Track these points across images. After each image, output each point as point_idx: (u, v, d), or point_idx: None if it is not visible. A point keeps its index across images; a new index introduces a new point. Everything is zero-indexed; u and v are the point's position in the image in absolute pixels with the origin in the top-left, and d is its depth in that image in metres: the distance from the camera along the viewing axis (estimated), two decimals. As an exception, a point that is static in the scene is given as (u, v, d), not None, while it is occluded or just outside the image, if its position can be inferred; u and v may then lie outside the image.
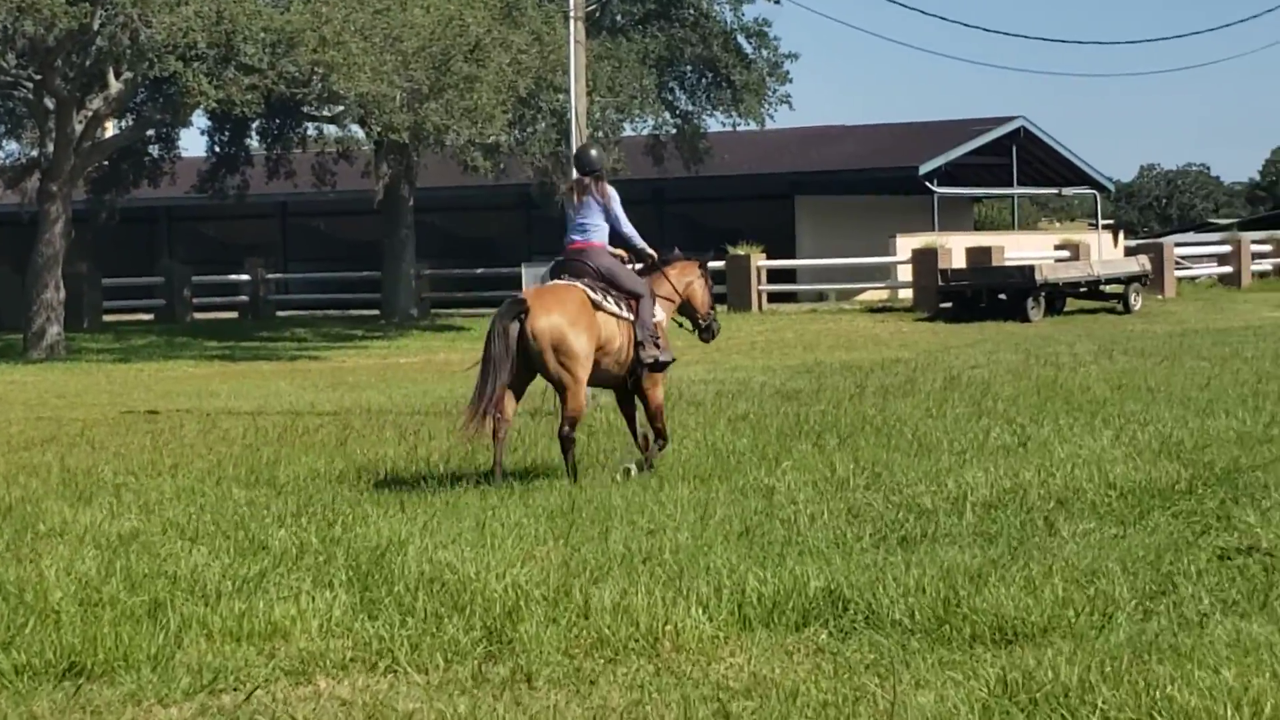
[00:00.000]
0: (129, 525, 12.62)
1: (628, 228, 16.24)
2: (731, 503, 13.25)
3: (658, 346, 15.52)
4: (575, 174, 16.62)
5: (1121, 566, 10.23)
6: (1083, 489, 13.27)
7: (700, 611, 9.47)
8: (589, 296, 15.22)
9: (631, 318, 15.43)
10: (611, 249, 16.09)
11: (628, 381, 15.68)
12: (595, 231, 15.90)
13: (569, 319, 14.93)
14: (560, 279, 15.58)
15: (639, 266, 16.41)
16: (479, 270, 56.02)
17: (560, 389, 15.08)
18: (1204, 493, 13.01)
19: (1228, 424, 17.04)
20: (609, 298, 15.38)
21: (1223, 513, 12.13)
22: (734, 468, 15.24)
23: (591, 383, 15.45)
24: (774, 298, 52.05)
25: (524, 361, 14.88)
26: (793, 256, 55.44)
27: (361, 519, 12.66)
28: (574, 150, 22.61)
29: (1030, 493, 13.20)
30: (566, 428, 15.07)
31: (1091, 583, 9.84)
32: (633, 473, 15.19)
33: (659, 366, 15.63)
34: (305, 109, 45.15)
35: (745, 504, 13.18)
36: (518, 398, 15.26)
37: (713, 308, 16.98)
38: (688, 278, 16.65)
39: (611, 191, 16.19)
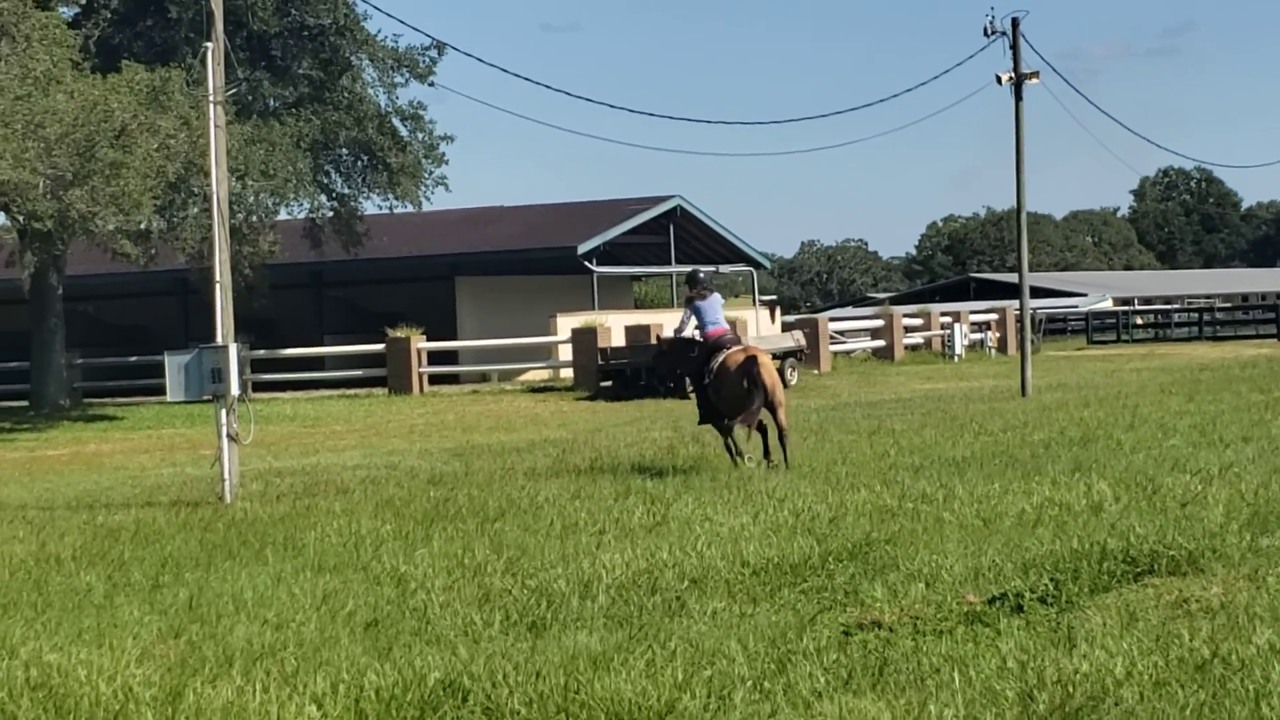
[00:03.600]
0: None
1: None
2: (365, 592, 13.05)
3: None
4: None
5: (743, 646, 10.24)
6: (717, 567, 13.32)
7: (316, 709, 9.26)
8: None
9: None
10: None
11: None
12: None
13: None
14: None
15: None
16: (132, 358, 54.90)
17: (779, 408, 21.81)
18: (835, 568, 13.14)
19: (864, 498, 17.28)
20: None
21: (851, 588, 12.25)
22: (372, 556, 15.04)
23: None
24: (435, 379, 51.94)
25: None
26: (455, 337, 55.40)
27: (-26, 623, 12.20)
28: (220, 234, 22.39)
29: (665, 572, 13.21)
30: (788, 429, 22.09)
31: (712, 663, 9.84)
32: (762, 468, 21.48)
33: None
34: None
35: (379, 593, 12.99)
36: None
37: None
38: None
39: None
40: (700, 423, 23.51)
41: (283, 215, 49.90)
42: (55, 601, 13.19)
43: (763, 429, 22.18)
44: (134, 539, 17.16)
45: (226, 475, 21.50)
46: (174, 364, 22.51)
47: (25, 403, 50.80)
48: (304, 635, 11.23)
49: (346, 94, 49.24)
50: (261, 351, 52.05)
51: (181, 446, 35.89)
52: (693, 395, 24.31)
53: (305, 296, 59.41)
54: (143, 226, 42.26)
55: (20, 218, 40.25)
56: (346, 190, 51.10)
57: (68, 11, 44.96)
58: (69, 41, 39.82)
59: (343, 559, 14.99)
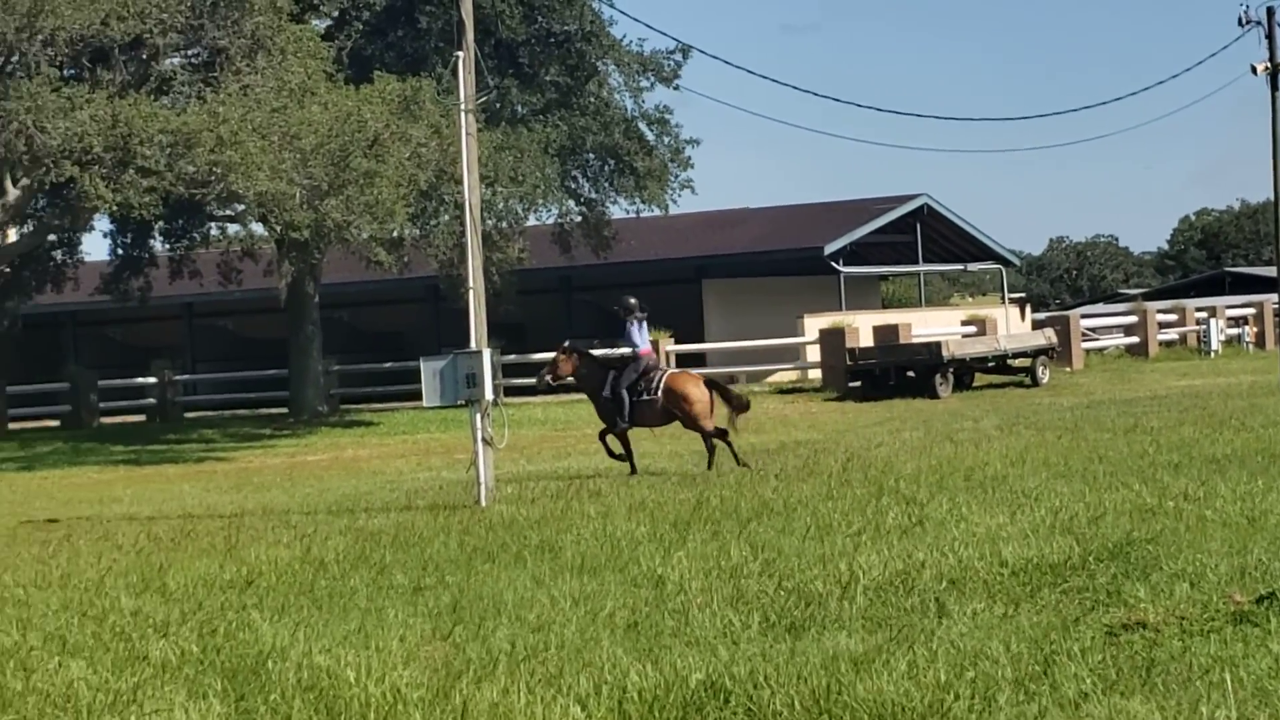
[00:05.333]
0: (7, 641, 12.39)
1: None
2: (623, 594, 13.13)
3: None
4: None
5: (1006, 647, 10.17)
6: (975, 568, 13.22)
7: (579, 709, 9.35)
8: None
9: None
10: None
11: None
12: None
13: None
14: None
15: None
16: (387, 364, 55.82)
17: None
18: (1096, 568, 12.98)
19: (1124, 496, 17.05)
20: None
21: (1113, 588, 12.09)
22: (629, 558, 15.13)
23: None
24: (684, 382, 52.01)
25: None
26: (701, 340, 55.53)
27: (245, 624, 12.48)
28: (472, 241, 22.72)
29: (923, 573, 13.14)
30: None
31: (975, 665, 9.77)
32: None
33: None
34: (206, 209, 44.95)
35: (636, 595, 13.07)
36: None
37: None
38: None
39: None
40: (611, 430, 26.33)
41: (531, 221, 50.40)
42: (322, 604, 13.45)
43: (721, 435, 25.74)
44: (395, 543, 17.44)
45: (482, 479, 21.76)
46: (429, 370, 22.82)
47: (285, 409, 51.84)
48: (565, 637, 11.34)
49: (593, 99, 49.58)
50: (512, 356, 52.57)
51: (436, 451, 36.39)
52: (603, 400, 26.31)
53: (554, 301, 59.96)
54: (395, 234, 42.96)
55: (278, 228, 41.08)
56: (594, 195, 51.46)
57: (321, 24, 45.78)
58: (322, 54, 40.55)
59: (599, 561, 15.09)
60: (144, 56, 39.29)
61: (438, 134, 40.15)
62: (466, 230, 23.17)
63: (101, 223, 47.07)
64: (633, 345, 26.23)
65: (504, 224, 47.09)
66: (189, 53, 40.85)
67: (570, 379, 26.88)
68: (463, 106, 23.28)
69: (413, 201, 41.28)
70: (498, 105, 46.71)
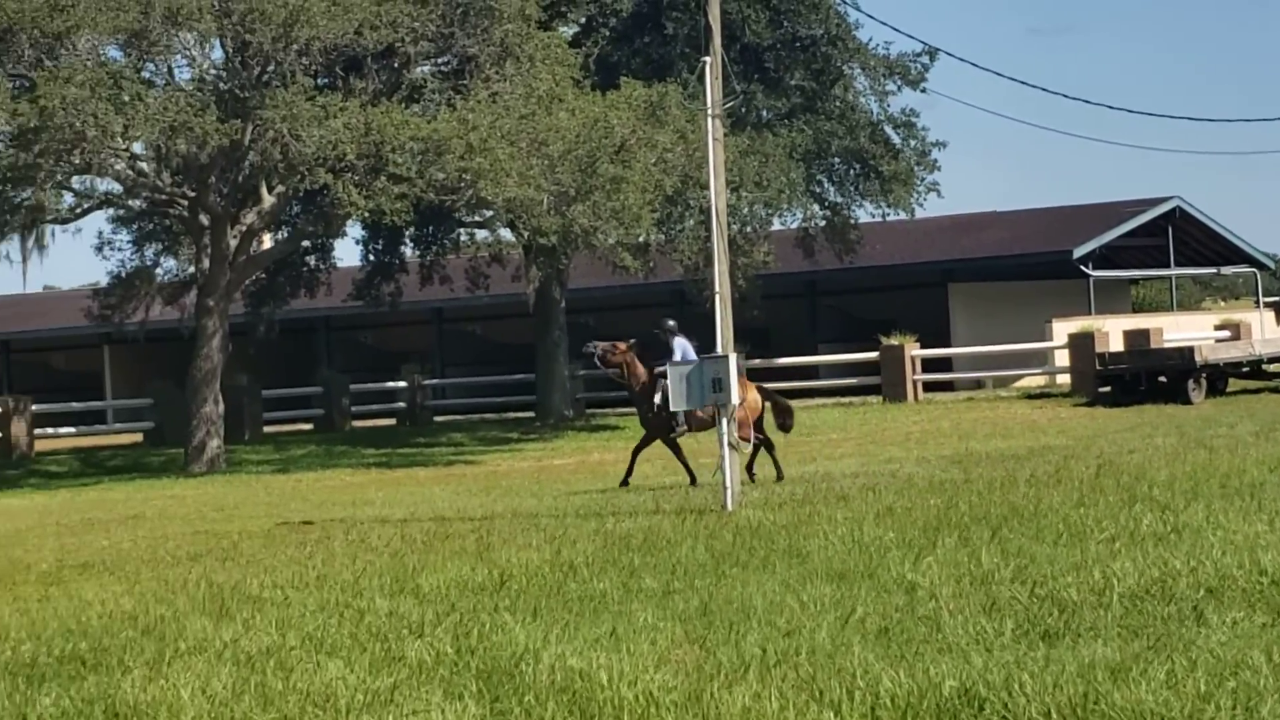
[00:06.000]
0: (267, 640, 12.64)
1: None
2: (873, 600, 13.06)
3: None
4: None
5: (1267, 657, 9.96)
6: (1233, 576, 12.97)
7: (833, 715, 9.33)
8: None
9: None
10: None
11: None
12: None
13: None
14: None
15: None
16: (633, 369, 56.10)
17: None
18: (1360, 577, 12.68)
19: (1388, 504, 16.64)
20: None
21: (1378, 597, 11.81)
22: (878, 563, 15.05)
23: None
24: (929, 386, 51.72)
25: None
26: (947, 344, 55.13)
27: (498, 626, 12.61)
28: (718, 246, 22.76)
29: (1179, 581, 12.91)
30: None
31: (1236, 674, 9.59)
32: None
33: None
34: (456, 215, 45.56)
35: (887, 601, 12.99)
36: None
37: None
38: None
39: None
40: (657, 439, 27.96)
41: (776, 225, 50.45)
42: (573, 607, 13.54)
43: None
44: (643, 546, 17.51)
45: (728, 484, 21.77)
46: (676, 374, 22.90)
47: (532, 413, 52.33)
48: (816, 642, 11.30)
49: (839, 103, 49.46)
50: (757, 361, 52.59)
51: (688, 455, 36.43)
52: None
53: (799, 305, 59.88)
54: (641, 239, 43.19)
55: (525, 233, 41.51)
56: (839, 199, 51.32)
57: (568, 31, 46.17)
58: (570, 60, 40.90)
59: (848, 566, 15.03)
60: (395, 65, 39.94)
61: (683, 139, 40.34)
62: (712, 235, 23.21)
63: (354, 229, 47.92)
64: (684, 356, 26.82)
65: (749, 228, 47.16)
66: (439, 61, 41.49)
67: (615, 372, 28.68)
68: (709, 111, 23.33)
69: (658, 206, 41.51)
70: (743, 110, 46.79)
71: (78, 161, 37.09)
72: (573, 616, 13.01)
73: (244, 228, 41.11)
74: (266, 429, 53.22)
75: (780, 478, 26.65)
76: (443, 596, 14.67)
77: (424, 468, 38.34)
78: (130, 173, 39.35)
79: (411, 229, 47.66)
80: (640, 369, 28.00)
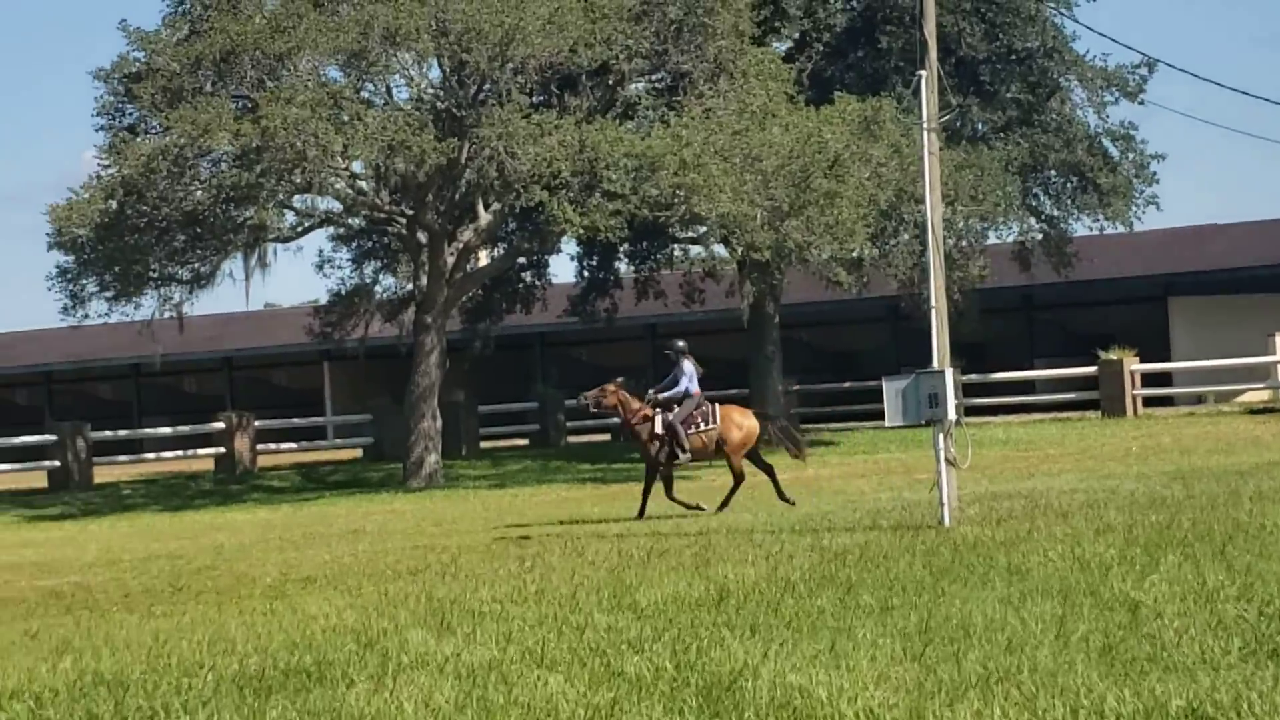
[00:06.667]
0: (488, 654, 12.75)
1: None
2: (1095, 618, 12.91)
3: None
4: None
5: None
6: None
7: (1056, 734, 9.23)
8: None
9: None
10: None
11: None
12: None
13: None
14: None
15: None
16: (846, 384, 55.97)
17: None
18: None
19: None
20: None
21: None
22: (1099, 581, 14.87)
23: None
24: (1149, 401, 51.00)
25: None
26: (1167, 359, 54.30)
27: (717, 642, 12.62)
28: (934, 260, 22.63)
29: None
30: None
31: None
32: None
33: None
34: (670, 231, 45.67)
35: (1109, 619, 12.84)
36: None
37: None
38: None
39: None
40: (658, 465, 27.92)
41: (991, 239, 50.02)
42: (791, 623, 13.52)
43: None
44: (860, 562, 17.45)
45: (945, 499, 21.63)
46: (891, 389, 22.75)
47: (747, 429, 52.25)
48: (1038, 660, 11.20)
49: (1055, 116, 48.93)
50: (972, 376, 52.18)
51: (897, 471, 36.31)
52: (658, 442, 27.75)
53: (1014, 320, 59.32)
54: (855, 254, 43.01)
55: (739, 249, 41.50)
56: (1056, 212, 50.75)
57: (782, 47, 46.12)
58: (784, 75, 40.87)
59: (1069, 583, 14.87)
60: (610, 82, 40.15)
61: (898, 153, 40.18)
62: (929, 249, 23.08)
63: (568, 245, 48.18)
64: (684, 388, 27.51)
65: (964, 242, 46.82)
66: (653, 77, 41.65)
67: (615, 411, 28.53)
68: (925, 125, 23.22)
69: (872, 221, 41.31)
70: (958, 123, 46.47)
71: (299, 181, 37.67)
72: (791, 633, 12.99)
73: (461, 245, 41.53)
74: (483, 444, 53.69)
75: (788, 501, 27.28)
76: (661, 612, 14.72)
77: (638, 483, 38.30)
78: (350, 191, 39.92)
79: (626, 245, 47.81)
80: (635, 404, 28.06)
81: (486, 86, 38.76)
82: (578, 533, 24.76)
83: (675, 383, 27.73)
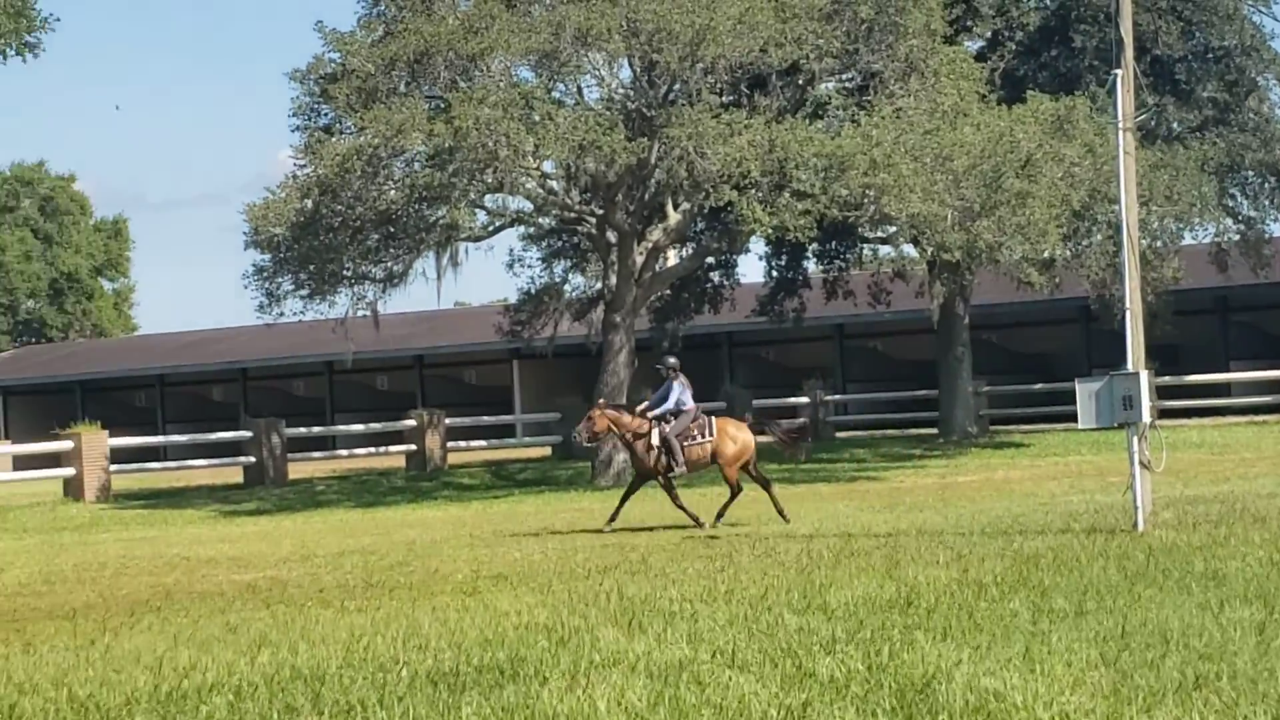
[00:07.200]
0: (679, 654, 12.78)
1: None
2: (1296, 625, 12.71)
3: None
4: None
5: None
6: None
7: (1257, 743, 9.10)
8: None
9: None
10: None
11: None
12: None
13: None
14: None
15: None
16: (1037, 386, 55.47)
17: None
18: None
19: None
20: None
21: None
22: (1300, 588, 14.63)
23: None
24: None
25: None
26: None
27: (909, 644, 12.56)
28: (1130, 261, 22.36)
29: None
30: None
31: None
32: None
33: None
34: (859, 231, 45.54)
35: (1311, 626, 12.63)
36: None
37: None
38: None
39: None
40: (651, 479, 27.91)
41: (1186, 240, 49.37)
42: (983, 626, 13.42)
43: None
44: (1053, 565, 17.28)
45: (1139, 503, 21.36)
46: (1084, 391, 22.50)
47: (934, 430, 52.04)
48: (1237, 666, 11.03)
49: (1253, 115, 48.23)
50: (1166, 378, 51.52)
51: (1089, 474, 35.93)
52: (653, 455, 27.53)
53: (1209, 322, 58.50)
54: (1047, 255, 42.64)
55: (929, 249, 41.28)
56: (1253, 213, 50.03)
57: (973, 45, 45.85)
58: (975, 74, 40.64)
59: (1268, 589, 14.64)
60: (800, 82, 40.10)
61: (1091, 153, 39.78)
62: (1123, 250, 22.80)
63: (757, 245, 48.18)
64: (679, 401, 27.40)
65: (1159, 243, 46.25)
66: (843, 77, 41.52)
67: (606, 433, 28.25)
68: (1120, 125, 22.94)
69: (1065, 222, 40.93)
70: (1153, 123, 45.95)
71: (490, 180, 37.96)
72: (984, 636, 12.89)
73: (650, 244, 41.65)
74: (671, 444, 53.75)
75: (785, 518, 26.71)
76: (851, 613, 14.66)
77: (826, 483, 38.39)
78: (540, 191, 40.16)
79: (814, 245, 47.75)
80: (626, 418, 27.77)
81: (677, 86, 38.84)
82: (766, 532, 24.73)
83: (665, 399, 27.68)
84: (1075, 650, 11.97)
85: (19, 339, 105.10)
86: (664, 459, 27.47)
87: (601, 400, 28.91)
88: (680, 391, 27.68)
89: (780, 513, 26.97)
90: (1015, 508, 27.23)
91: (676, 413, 27.49)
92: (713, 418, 28.09)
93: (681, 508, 27.34)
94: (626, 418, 27.77)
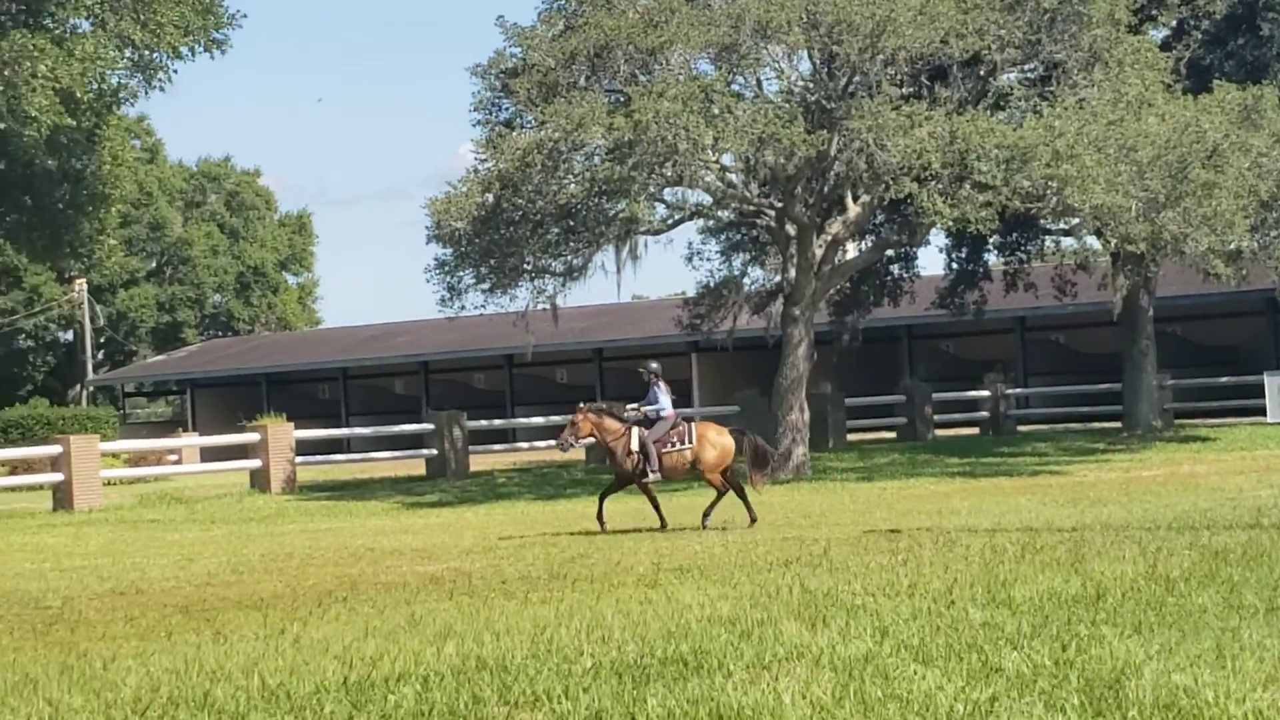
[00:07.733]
0: (863, 647, 12.73)
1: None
2: None
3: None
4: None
5: None
6: None
7: None
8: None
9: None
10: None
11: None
12: None
13: None
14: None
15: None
16: (1223, 379, 54.69)
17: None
18: None
19: None
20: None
21: None
22: None
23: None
24: None
25: None
26: None
27: (1096, 640, 12.43)
28: None
29: None
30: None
31: None
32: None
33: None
34: (1041, 222, 45.16)
35: None
36: None
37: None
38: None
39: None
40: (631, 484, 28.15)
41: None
42: (1172, 622, 13.26)
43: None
44: (1242, 560, 17.04)
45: (1331, 498, 21.02)
46: (1275, 384, 22.23)
47: (1118, 424, 51.48)
48: None
49: None
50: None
51: (1277, 468, 35.38)
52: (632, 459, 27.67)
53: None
54: (1234, 246, 42.05)
55: (1112, 241, 40.85)
56: None
57: (1158, 34, 45.31)
58: (1160, 64, 40.18)
59: None
60: (981, 73, 39.84)
61: (1279, 143, 39.17)
62: (1315, 241, 22.45)
63: (937, 237, 47.92)
64: (658, 407, 27.60)
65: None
66: (1025, 67, 41.20)
67: (591, 438, 28.37)
68: (1311, 114, 22.59)
69: (1252, 212, 40.35)
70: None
71: (670, 174, 38.04)
72: (1172, 631, 12.74)
73: (829, 237, 41.54)
74: (850, 436, 53.65)
75: (753, 519, 27.09)
76: (1036, 608, 14.53)
77: (1008, 477, 38.08)
78: (720, 184, 40.16)
79: (995, 237, 47.43)
80: (608, 421, 27.78)
81: (856, 78, 38.74)
82: (948, 526, 24.58)
83: (649, 404, 27.82)
84: (1267, 646, 11.80)
85: (206, 332, 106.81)
86: (642, 464, 27.62)
87: (583, 405, 28.80)
88: (661, 397, 27.82)
89: (752, 517, 27.24)
90: (1202, 502, 26.87)
91: (657, 418, 27.62)
92: (692, 424, 28.19)
93: (656, 508, 27.76)
94: (609, 421, 27.86)
